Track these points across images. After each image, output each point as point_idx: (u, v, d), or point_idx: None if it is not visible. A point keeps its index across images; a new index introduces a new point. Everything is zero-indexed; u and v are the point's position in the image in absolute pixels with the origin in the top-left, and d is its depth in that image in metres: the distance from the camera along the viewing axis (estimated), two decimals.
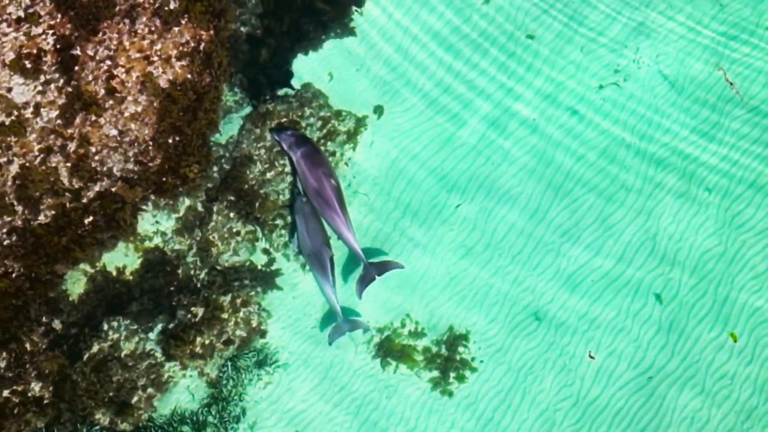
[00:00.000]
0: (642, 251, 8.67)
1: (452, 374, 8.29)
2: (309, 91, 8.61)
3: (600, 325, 8.52)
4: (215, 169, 8.34)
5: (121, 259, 8.09)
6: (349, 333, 8.31)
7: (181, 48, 8.20)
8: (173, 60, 8.16)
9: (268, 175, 8.34)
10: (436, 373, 8.34)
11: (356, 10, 9.05)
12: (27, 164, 7.82)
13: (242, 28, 8.70)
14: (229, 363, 7.88)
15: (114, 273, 8.09)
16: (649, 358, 8.49)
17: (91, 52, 8.07)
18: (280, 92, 8.75)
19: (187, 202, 8.21)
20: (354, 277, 8.32)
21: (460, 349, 8.39)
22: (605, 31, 9.08)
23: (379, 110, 8.80)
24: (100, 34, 8.09)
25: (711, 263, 8.71)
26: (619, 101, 8.95)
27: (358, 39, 8.97)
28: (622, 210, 8.73)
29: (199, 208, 8.27)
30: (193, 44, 8.23)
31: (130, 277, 8.08)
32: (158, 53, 8.15)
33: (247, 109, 8.65)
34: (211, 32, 8.27)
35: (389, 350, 8.33)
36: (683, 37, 9.10)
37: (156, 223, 8.16)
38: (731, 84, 8.90)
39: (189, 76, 8.16)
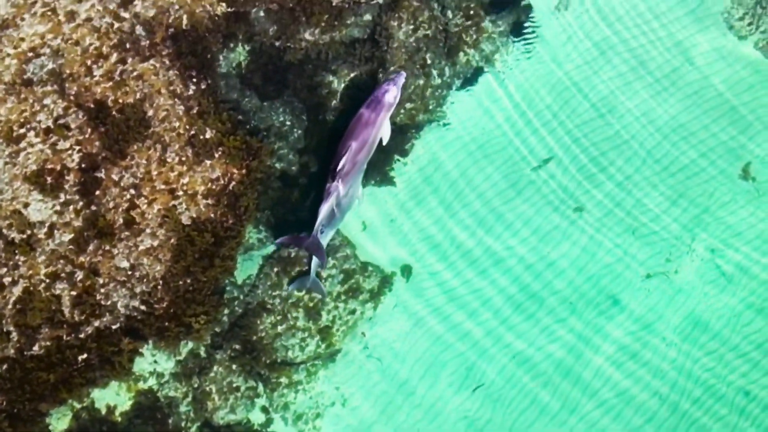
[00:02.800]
0: None
1: None
2: (336, 239, 8.18)
3: None
4: (225, 311, 7.97)
5: (112, 397, 7.78)
6: (305, 290, 8.14)
7: (209, 185, 7.91)
8: (199, 197, 7.87)
9: (280, 328, 7.99)
10: None
11: (399, 159, 8.62)
12: (31, 288, 7.55)
13: (277, 164, 8.34)
14: None
15: (103, 412, 7.71)
16: None
17: (116, 177, 7.83)
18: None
19: (190, 344, 7.80)
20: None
21: None
22: (660, 216, 8.54)
23: (407, 271, 8.35)
24: (128, 159, 7.85)
25: None
26: (666, 294, 8.41)
27: (398, 189, 8.53)
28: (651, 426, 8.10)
29: (202, 353, 7.85)
30: (222, 182, 7.92)
31: (119, 419, 7.74)
32: (185, 188, 7.87)
33: (270, 248, 8.29)
34: (243, 171, 7.90)
35: None
36: (744, 234, 8.63)
37: (154, 363, 7.85)
38: None
39: (212, 215, 7.79)
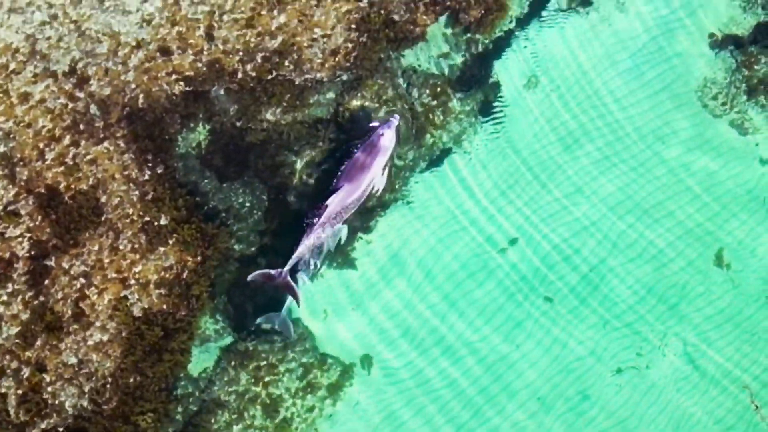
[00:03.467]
0: None
1: None
2: (296, 331, 7.93)
3: None
4: (179, 409, 7.70)
5: None
6: (273, 326, 7.94)
7: (162, 273, 7.72)
8: (151, 286, 7.68)
9: (235, 428, 7.69)
10: None
11: (362, 237, 8.39)
12: None
13: (236, 246, 8.12)
14: None
15: None
16: None
17: (66, 266, 7.66)
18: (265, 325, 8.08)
19: None
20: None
21: None
22: (633, 309, 8.40)
23: (367, 361, 8.10)
24: (80, 246, 7.64)
25: None
26: (637, 391, 8.23)
27: (359, 272, 8.31)
28: None
29: None
30: (175, 270, 7.74)
31: None
32: (137, 276, 7.68)
33: (228, 339, 8.06)
34: (198, 259, 7.69)
35: None
36: (721, 327, 8.38)
37: None
38: (756, 407, 8.07)
39: (164, 306, 7.58)
